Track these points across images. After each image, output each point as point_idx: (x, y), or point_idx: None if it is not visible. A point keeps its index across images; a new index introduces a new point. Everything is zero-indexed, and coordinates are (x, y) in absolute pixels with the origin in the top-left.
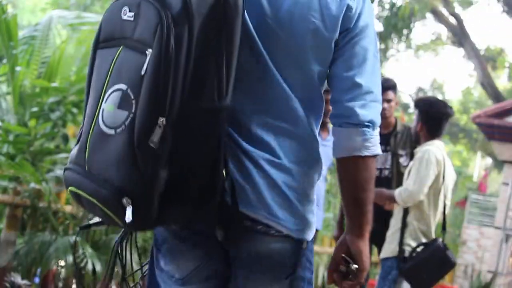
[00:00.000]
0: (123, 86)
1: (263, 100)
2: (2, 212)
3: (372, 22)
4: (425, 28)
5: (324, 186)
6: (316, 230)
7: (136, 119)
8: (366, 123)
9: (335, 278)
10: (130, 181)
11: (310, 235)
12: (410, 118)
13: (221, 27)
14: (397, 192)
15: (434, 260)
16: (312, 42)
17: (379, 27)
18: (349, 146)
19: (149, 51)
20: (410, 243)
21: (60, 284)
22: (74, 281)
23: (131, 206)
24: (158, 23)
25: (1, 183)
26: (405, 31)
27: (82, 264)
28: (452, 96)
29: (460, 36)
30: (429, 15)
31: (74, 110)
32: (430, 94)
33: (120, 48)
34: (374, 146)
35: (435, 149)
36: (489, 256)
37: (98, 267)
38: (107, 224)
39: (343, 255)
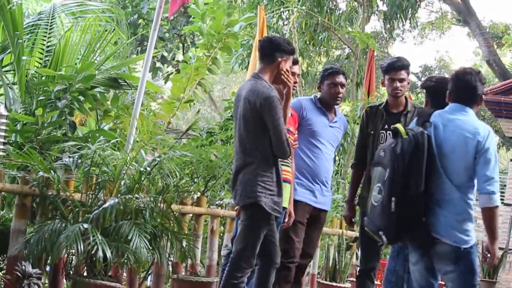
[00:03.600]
0: (380, 185)
1: (439, 187)
2: (11, 202)
3: (492, 144)
4: (430, 7)
5: (332, 167)
6: (325, 211)
7: (384, 199)
8: (491, 192)
9: (483, 261)
10: (384, 224)
11: (464, 244)
12: (417, 98)
13: (417, 157)
14: None
15: None
16: (463, 158)
17: (384, 7)
18: (485, 203)
19: (388, 169)
20: None
21: (71, 272)
22: (85, 268)
23: (384, 234)
24: (392, 158)
25: (9, 173)
26: (410, 11)
27: (93, 251)
28: None
29: (465, 14)
30: None
31: (81, 97)
32: (436, 73)
33: (379, 168)
34: (495, 202)
35: None
36: (499, 233)
37: (109, 254)
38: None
39: (485, 251)
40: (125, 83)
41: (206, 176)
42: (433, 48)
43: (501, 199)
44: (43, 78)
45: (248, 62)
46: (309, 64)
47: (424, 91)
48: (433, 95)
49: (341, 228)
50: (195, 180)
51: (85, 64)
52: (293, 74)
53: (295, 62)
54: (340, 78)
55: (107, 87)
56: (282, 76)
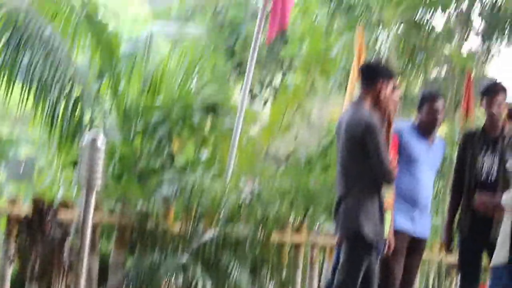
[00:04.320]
0: None
1: None
2: (110, 233)
3: None
4: None
5: (431, 192)
6: (425, 239)
7: None
8: None
9: None
10: None
11: None
12: None
13: None
14: (504, 198)
15: None
16: None
17: (481, 25)
18: None
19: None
20: None
21: None
22: None
23: None
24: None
25: (109, 204)
26: (508, 29)
27: (193, 284)
28: None
29: None
30: None
31: (179, 126)
32: None
33: None
34: None
35: None
36: None
37: (209, 286)
38: None
39: None
40: (223, 110)
41: (305, 203)
42: None
43: None
44: (141, 106)
45: (347, 85)
46: (407, 85)
47: None
48: None
49: (440, 253)
50: (295, 208)
51: (182, 92)
52: (394, 100)
53: (396, 88)
54: (439, 103)
55: (205, 113)
56: (383, 102)
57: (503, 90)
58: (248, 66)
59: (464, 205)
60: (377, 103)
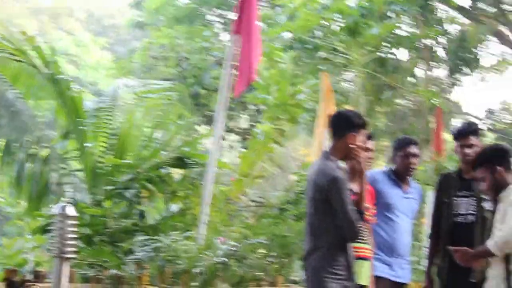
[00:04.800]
0: None
1: None
2: None
3: None
4: (489, 50)
5: (410, 239)
6: (405, 284)
7: None
8: None
9: None
10: None
11: None
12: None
13: None
14: (491, 244)
15: None
16: None
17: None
18: None
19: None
20: None
21: None
22: None
23: None
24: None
25: (81, 272)
26: (473, 64)
27: None
28: None
29: None
30: (493, 38)
31: (149, 185)
32: (500, 116)
33: None
34: None
35: None
36: None
37: None
38: None
39: None
40: (192, 162)
41: (280, 254)
42: (496, 90)
43: None
44: (109, 165)
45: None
46: (374, 121)
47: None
48: (501, 163)
49: None
50: (270, 259)
51: (151, 152)
52: (367, 149)
53: (370, 137)
54: (413, 149)
55: (173, 167)
56: (353, 153)
57: (475, 131)
58: (216, 117)
59: (442, 249)
60: (348, 154)
